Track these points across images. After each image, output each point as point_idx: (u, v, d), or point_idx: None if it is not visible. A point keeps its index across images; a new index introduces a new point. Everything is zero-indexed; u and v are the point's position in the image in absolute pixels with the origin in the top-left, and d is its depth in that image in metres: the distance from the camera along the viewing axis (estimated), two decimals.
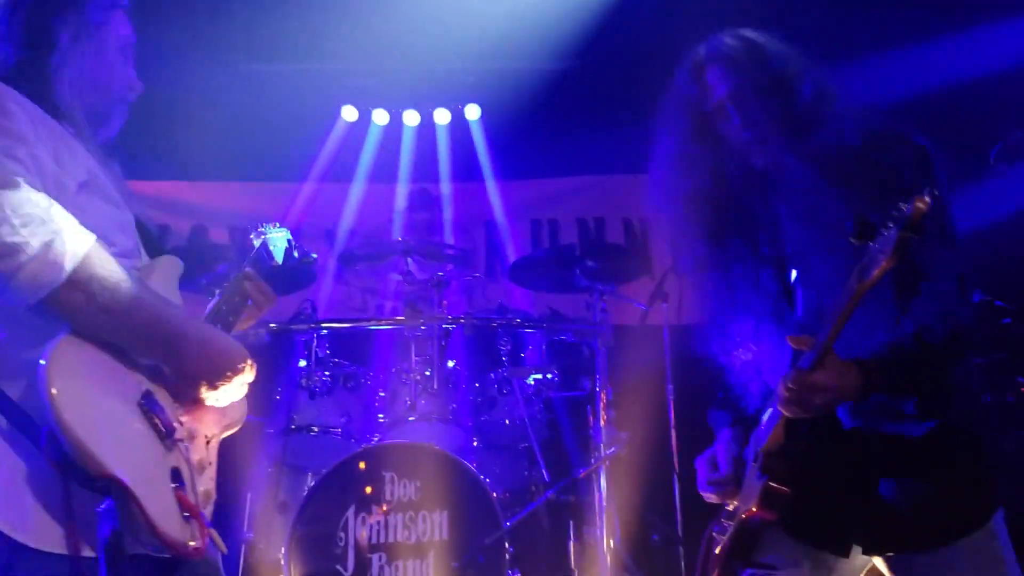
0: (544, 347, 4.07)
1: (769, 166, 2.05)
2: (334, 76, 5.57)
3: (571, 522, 3.77)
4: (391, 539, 3.38)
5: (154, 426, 1.66)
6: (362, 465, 3.50)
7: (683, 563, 4.01)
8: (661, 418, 4.22)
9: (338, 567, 3.34)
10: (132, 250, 1.90)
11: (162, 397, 1.72)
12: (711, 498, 2.12)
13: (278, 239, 2.41)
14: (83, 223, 1.65)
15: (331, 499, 3.43)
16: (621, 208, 5.75)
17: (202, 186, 5.67)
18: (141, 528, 1.55)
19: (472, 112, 5.65)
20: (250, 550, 3.90)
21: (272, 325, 3.79)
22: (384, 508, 3.42)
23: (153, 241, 2.05)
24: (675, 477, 4.15)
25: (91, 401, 1.58)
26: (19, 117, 1.70)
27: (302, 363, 4.00)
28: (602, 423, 3.66)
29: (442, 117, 5.66)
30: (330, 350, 4.12)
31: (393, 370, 4.02)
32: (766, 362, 2.05)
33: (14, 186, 1.57)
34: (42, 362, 1.53)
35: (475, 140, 5.65)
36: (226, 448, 3.65)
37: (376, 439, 3.82)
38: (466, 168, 5.66)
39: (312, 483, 3.54)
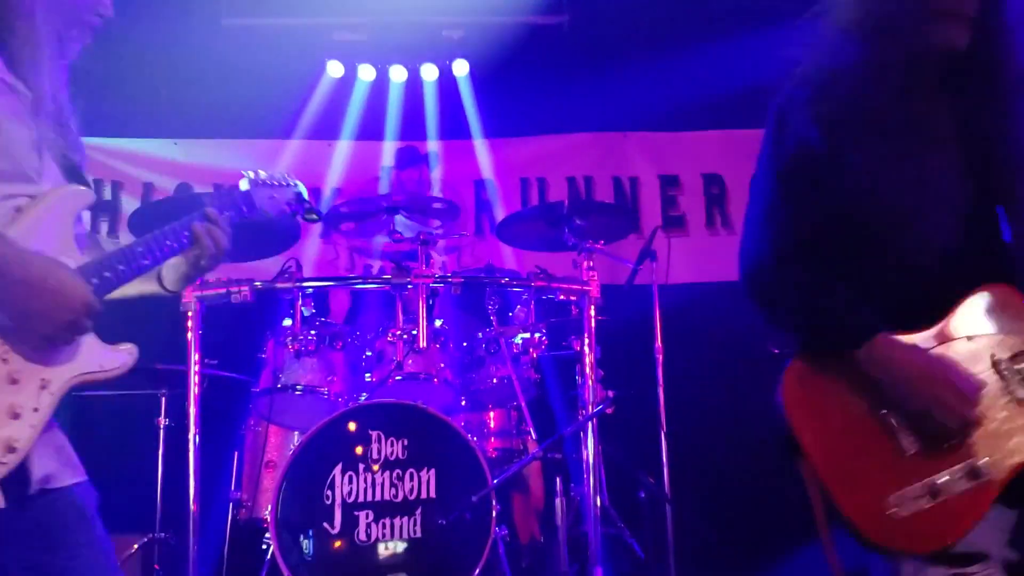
0: (532, 306, 4.05)
1: None
2: (319, 31, 5.47)
3: (558, 479, 3.78)
4: (378, 497, 3.38)
5: None
6: (349, 424, 3.49)
7: (670, 520, 4.03)
8: (649, 377, 4.22)
9: (325, 524, 3.34)
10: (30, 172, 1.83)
11: None
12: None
13: (281, 192, 2.32)
14: None
15: (318, 458, 3.42)
16: (611, 166, 5.71)
17: (186, 144, 5.60)
18: None
19: (460, 68, 5.56)
20: (237, 509, 3.90)
21: (257, 284, 3.75)
22: (371, 467, 3.42)
23: (77, 173, 1.96)
24: (662, 435, 4.15)
25: None
26: None
27: (287, 322, 3.97)
28: (590, 382, 3.64)
29: (430, 73, 5.56)
30: (316, 309, 4.09)
31: (380, 329, 3.99)
32: None
33: None
34: None
35: (463, 97, 5.57)
36: (212, 407, 3.67)
37: (363, 398, 3.81)
38: (454, 125, 5.59)
39: (299, 442, 3.53)
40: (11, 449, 1.70)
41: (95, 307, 1.76)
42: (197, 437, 3.48)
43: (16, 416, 1.72)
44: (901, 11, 1.88)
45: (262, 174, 2.33)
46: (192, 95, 5.43)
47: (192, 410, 3.50)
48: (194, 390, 3.52)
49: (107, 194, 5.49)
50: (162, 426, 4.21)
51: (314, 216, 2.45)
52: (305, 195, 2.39)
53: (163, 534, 4.07)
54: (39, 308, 1.70)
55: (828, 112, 1.90)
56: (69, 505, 1.86)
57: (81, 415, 4.67)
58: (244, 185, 2.28)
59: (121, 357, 1.94)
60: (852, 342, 1.79)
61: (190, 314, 3.55)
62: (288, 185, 2.35)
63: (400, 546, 3.33)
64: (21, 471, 1.76)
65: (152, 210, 4.60)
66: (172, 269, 2.08)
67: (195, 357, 3.53)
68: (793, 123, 1.94)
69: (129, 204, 5.46)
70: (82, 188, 1.93)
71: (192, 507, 3.43)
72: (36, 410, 1.75)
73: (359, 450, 3.43)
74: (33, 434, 1.74)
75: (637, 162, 5.71)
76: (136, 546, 4.06)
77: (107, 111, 5.34)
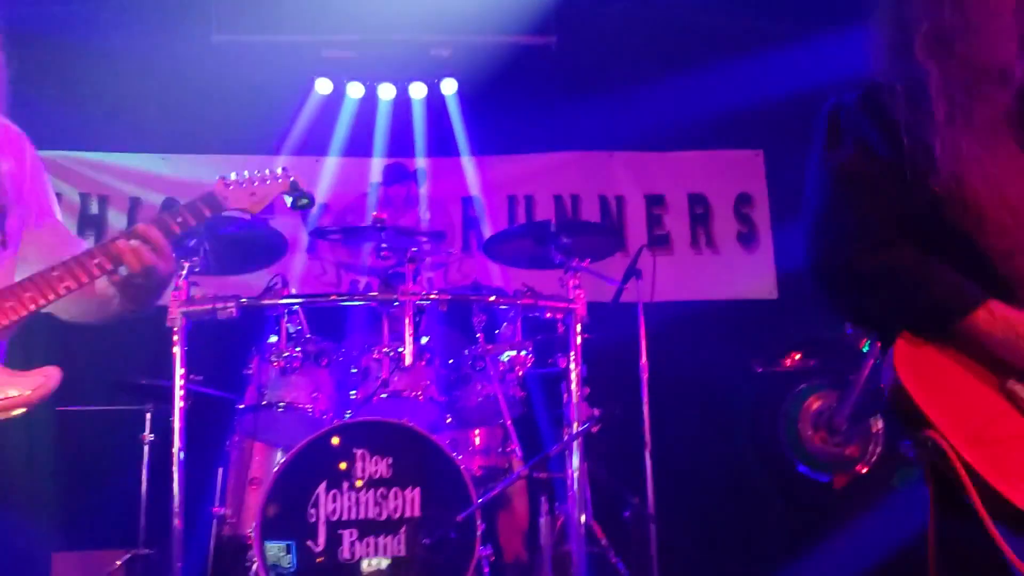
0: (518, 324, 4.06)
1: None
2: (308, 48, 5.49)
3: (543, 498, 3.78)
4: (362, 515, 3.38)
5: None
6: (334, 441, 3.49)
7: (654, 539, 4.04)
8: (634, 395, 4.23)
9: (308, 543, 3.33)
10: None
11: None
12: None
13: (264, 188, 2.36)
14: None
15: (302, 475, 3.42)
16: (597, 185, 5.74)
17: (174, 159, 5.59)
18: None
19: (448, 86, 5.59)
20: (221, 525, 3.88)
21: (243, 300, 3.75)
22: (355, 485, 3.42)
23: None
24: (647, 454, 4.16)
25: None
26: None
27: (273, 339, 3.96)
28: (575, 400, 3.66)
29: (418, 91, 5.60)
30: (301, 326, 4.08)
31: (366, 346, 4.00)
32: None
33: None
34: None
35: (451, 115, 5.60)
36: (197, 423, 3.65)
37: (348, 415, 3.80)
38: (442, 143, 5.61)
39: (283, 459, 3.52)
40: None
41: None
42: (182, 453, 3.47)
43: None
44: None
45: (236, 176, 2.35)
46: (181, 110, 5.44)
47: (177, 425, 3.48)
48: (179, 405, 3.51)
49: (94, 208, 5.48)
50: (146, 441, 4.20)
51: (306, 201, 2.45)
52: (297, 184, 2.40)
53: (147, 550, 4.06)
54: None
55: (894, 116, 1.91)
56: None
57: (65, 430, 4.66)
58: (215, 188, 2.30)
59: (28, 383, 1.97)
60: (969, 307, 1.78)
61: (176, 329, 3.54)
62: (275, 178, 2.38)
63: (384, 564, 3.32)
64: None
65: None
66: (120, 289, 2.09)
67: (180, 372, 3.52)
68: (849, 126, 1.95)
69: (116, 219, 5.46)
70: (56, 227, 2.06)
71: (176, 523, 3.41)
72: None
73: (343, 468, 3.43)
74: None
75: (623, 181, 5.76)
76: (119, 562, 4.04)
77: (95, 125, 5.36)
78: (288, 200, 2.44)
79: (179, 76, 5.33)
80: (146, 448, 4.19)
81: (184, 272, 3.63)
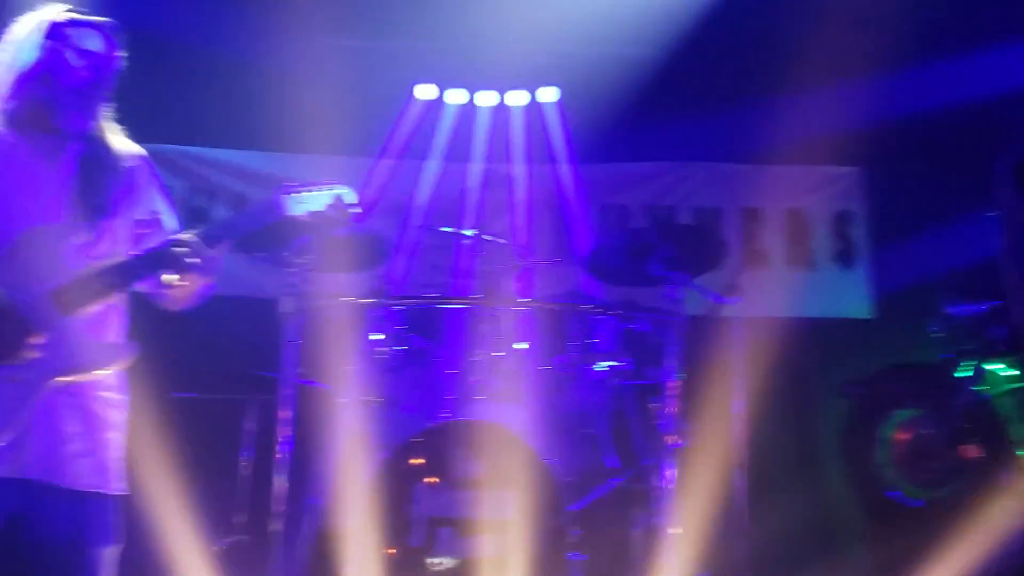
0: (615, 334, 4.07)
1: None
2: (411, 54, 5.61)
3: (635, 510, 3.79)
4: (458, 515, 3.44)
5: None
6: (431, 441, 3.56)
7: (744, 556, 4.01)
8: (728, 411, 4.21)
9: (406, 539, 3.41)
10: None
11: None
12: None
13: (312, 197, 2.45)
14: None
15: (400, 472, 3.50)
16: (692, 197, 5.73)
17: (278, 157, 5.75)
18: None
19: (547, 95, 5.64)
20: (319, 517, 3.98)
21: (346, 298, 3.86)
22: (451, 484, 3.48)
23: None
24: (740, 470, 4.13)
25: None
26: None
27: (375, 337, 4.06)
28: (670, 413, 3.66)
29: (517, 99, 5.66)
30: (402, 326, 4.17)
31: (463, 349, 4.06)
32: None
33: None
34: None
35: (549, 123, 5.65)
36: (298, 415, 3.76)
37: (445, 416, 3.87)
38: (539, 150, 5.66)
39: (382, 455, 3.60)
40: None
41: (27, 329, 2.05)
42: (284, 443, 3.57)
43: None
44: None
45: (295, 184, 2.48)
46: (287, 111, 5.58)
47: (282, 416, 3.58)
48: (285, 396, 3.61)
49: (201, 202, 5.68)
50: (249, 431, 4.33)
51: (350, 215, 2.55)
52: (346, 197, 2.49)
53: (247, 537, 4.17)
54: None
55: None
56: (63, 506, 2.11)
57: (171, 416, 4.83)
58: (274, 196, 2.44)
59: (106, 354, 2.21)
60: None
61: (285, 324, 3.65)
62: (325, 189, 2.48)
63: (479, 565, 3.37)
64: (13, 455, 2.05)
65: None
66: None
67: (288, 365, 3.62)
68: None
69: (220, 213, 5.64)
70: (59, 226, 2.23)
71: (277, 512, 3.51)
72: (13, 399, 2.04)
73: (441, 467, 3.49)
74: (11, 420, 2.03)
75: (718, 193, 5.72)
76: (221, 548, 4.17)
77: (204, 122, 5.56)
78: (335, 211, 2.53)
79: (287, 78, 5.47)
80: (249, 437, 4.32)
81: (294, 269, 3.75)
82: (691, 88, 5.59)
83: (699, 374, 3.92)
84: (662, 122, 5.60)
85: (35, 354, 2.06)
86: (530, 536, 3.39)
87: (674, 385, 3.70)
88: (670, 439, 3.65)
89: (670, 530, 3.57)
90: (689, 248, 4.13)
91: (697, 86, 5.59)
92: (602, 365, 4.03)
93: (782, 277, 5.58)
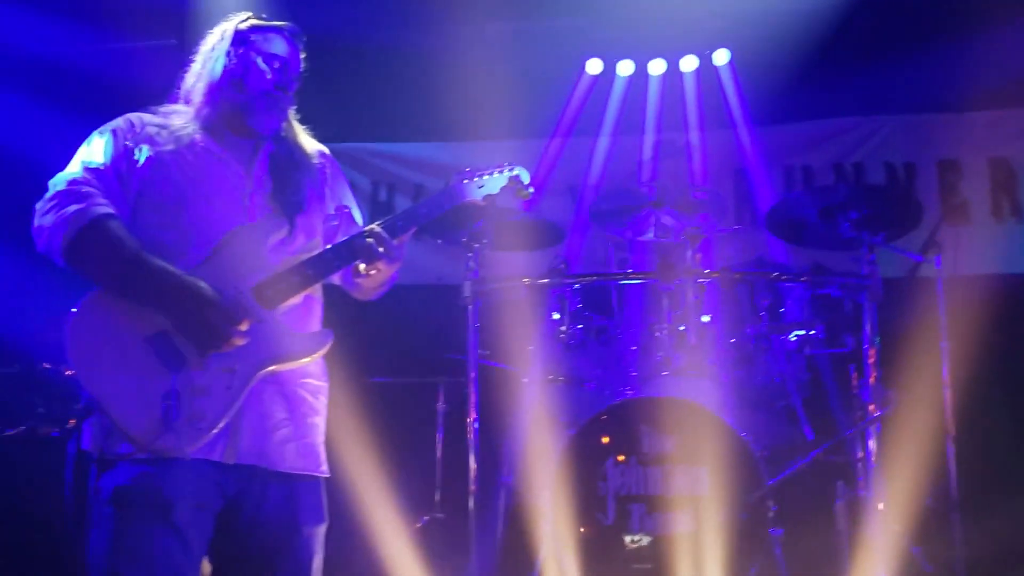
0: (806, 301, 3.91)
1: None
2: (579, 30, 5.56)
3: (838, 483, 3.63)
4: (650, 491, 3.41)
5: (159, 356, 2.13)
6: (618, 418, 3.54)
7: (957, 530, 3.76)
8: (934, 377, 3.94)
9: (598, 515, 3.41)
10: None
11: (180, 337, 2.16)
12: None
13: (489, 180, 2.51)
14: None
15: (589, 449, 3.50)
16: (881, 152, 5.39)
17: (453, 147, 5.87)
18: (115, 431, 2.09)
19: (720, 57, 5.47)
20: (511, 495, 4.06)
21: (525, 280, 3.89)
22: (641, 461, 3.45)
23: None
24: (949, 439, 3.87)
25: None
26: None
27: (556, 316, 4.08)
28: (870, 381, 3.48)
29: (689, 64, 5.52)
30: (582, 304, 4.17)
31: (646, 324, 4.01)
32: None
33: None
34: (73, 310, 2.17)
35: (724, 86, 5.47)
36: (486, 395, 3.83)
37: (630, 392, 3.84)
38: (714, 115, 5.50)
39: (570, 433, 3.62)
40: (202, 418, 2.11)
41: (233, 318, 2.14)
42: (475, 423, 3.64)
43: (205, 393, 2.12)
44: None
45: (471, 169, 2.55)
46: (458, 99, 5.68)
47: (472, 397, 3.66)
48: (472, 377, 3.68)
49: (382, 195, 5.89)
50: (440, 412, 4.46)
51: (526, 194, 2.61)
52: (522, 176, 2.55)
53: (442, 515, 4.31)
54: (188, 322, 2.15)
55: None
56: (273, 489, 2.21)
57: (366, 400, 5.06)
58: (453, 183, 2.52)
59: (309, 343, 2.28)
60: None
61: (468, 307, 3.72)
62: (500, 170, 2.54)
63: (674, 542, 3.33)
64: (228, 441, 2.16)
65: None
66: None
67: (473, 348, 3.69)
68: None
69: (403, 205, 5.83)
70: (262, 223, 2.33)
71: (472, 490, 3.58)
72: (228, 388, 2.14)
73: (629, 445, 3.46)
74: (226, 407, 2.12)
75: (911, 147, 5.36)
76: (418, 525, 4.33)
77: (383, 118, 5.75)
78: (511, 192, 2.58)
79: (456, 67, 5.56)
80: (440, 418, 4.45)
81: (472, 253, 3.82)
82: (872, 35, 5.26)
83: (899, 339, 3.69)
84: (844, 75, 5.31)
85: (242, 341, 2.17)
86: (726, 512, 3.31)
87: (872, 352, 3.50)
88: (871, 408, 3.46)
89: (876, 504, 3.39)
90: (882, 206, 3.90)
91: (878, 33, 5.25)
92: (793, 334, 3.88)
93: (986, 232, 5.16)
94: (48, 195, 2.23)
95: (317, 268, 2.27)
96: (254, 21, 2.41)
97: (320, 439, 2.35)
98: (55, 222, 2.18)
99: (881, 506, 3.42)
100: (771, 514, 3.29)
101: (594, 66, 5.62)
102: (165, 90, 2.45)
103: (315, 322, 2.38)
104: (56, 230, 2.18)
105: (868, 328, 3.50)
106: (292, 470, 2.25)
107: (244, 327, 2.15)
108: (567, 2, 5.39)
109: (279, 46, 2.39)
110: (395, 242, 2.30)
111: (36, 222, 2.22)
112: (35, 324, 4.17)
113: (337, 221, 2.48)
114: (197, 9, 4.98)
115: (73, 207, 2.17)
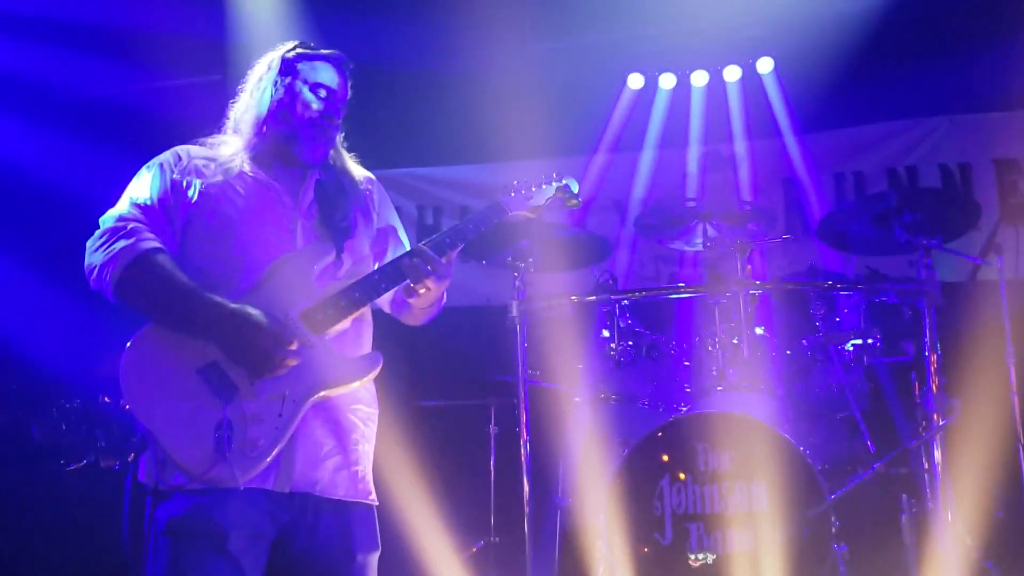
0: (862, 309, 3.80)
1: None
2: (620, 45, 5.54)
3: (903, 495, 3.51)
4: (708, 510, 3.33)
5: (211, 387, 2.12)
6: (673, 435, 3.47)
7: None
8: (1000, 383, 3.81)
9: (656, 535, 3.34)
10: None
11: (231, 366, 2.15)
12: None
13: (536, 192, 2.56)
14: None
15: (644, 468, 3.43)
16: (936, 154, 5.26)
17: (496, 167, 5.86)
18: (169, 463, 2.09)
19: (764, 65, 5.40)
20: (566, 516, 4.00)
21: (573, 297, 3.85)
22: (697, 479, 3.37)
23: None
24: (1020, 447, 3.73)
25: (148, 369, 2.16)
26: None
27: (605, 333, 4.03)
28: (933, 390, 3.36)
29: (732, 74, 5.46)
30: (631, 320, 4.11)
31: (697, 339, 3.94)
32: None
33: None
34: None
35: (769, 94, 5.39)
36: (537, 416, 3.79)
37: (684, 409, 3.77)
38: (759, 125, 5.42)
39: (624, 452, 3.56)
40: (254, 447, 2.10)
41: (282, 340, 2.14)
42: (528, 445, 3.60)
43: (258, 421, 2.12)
44: None
45: (517, 183, 2.59)
46: (501, 120, 5.68)
47: (523, 418, 3.62)
48: (523, 398, 3.64)
49: (429, 219, 5.90)
50: (493, 434, 4.43)
51: (575, 202, 2.68)
52: (571, 186, 2.63)
53: (497, 538, 4.27)
54: (239, 348, 2.15)
55: None
56: (326, 517, 2.21)
57: (417, 424, 5.05)
58: (500, 198, 2.54)
59: (359, 367, 2.27)
60: None
61: (516, 328, 3.69)
62: (548, 182, 2.60)
63: (735, 560, 3.24)
64: (280, 470, 2.15)
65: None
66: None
67: (523, 367, 3.66)
68: None
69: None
70: (311, 250, 2.33)
71: (526, 511, 3.53)
72: (279, 415, 2.13)
73: (686, 462, 3.39)
74: (278, 435, 2.12)
75: (966, 147, 5.22)
76: (473, 550, 4.29)
77: (426, 142, 5.77)
78: (560, 203, 2.65)
79: (497, 88, 5.57)
80: (492, 441, 4.42)
81: (519, 273, 3.79)
82: (919, 36, 5.15)
83: (962, 345, 3.57)
84: (891, 78, 5.20)
85: (294, 362, 2.16)
86: (788, 528, 3.22)
87: (934, 359, 3.39)
88: (935, 418, 3.35)
89: (944, 517, 3.27)
90: (937, 209, 3.79)
91: (925, 33, 5.13)
92: (850, 344, 3.77)
93: None
94: (98, 233, 2.26)
95: (365, 291, 2.26)
96: (301, 50, 2.41)
97: (369, 467, 2.34)
98: (104, 259, 2.21)
99: (950, 518, 3.30)
100: (834, 530, 3.19)
101: (635, 81, 5.59)
102: (212, 125, 2.47)
103: (365, 346, 2.37)
104: (105, 267, 2.20)
105: (928, 334, 3.38)
106: (345, 497, 2.24)
107: (294, 347, 2.15)
108: (606, 19, 5.37)
109: (326, 75, 2.39)
110: (443, 260, 2.28)
111: (87, 260, 2.25)
112: (95, 359, 4.25)
113: (386, 245, 2.47)
114: (240, 43, 5.08)
115: (120, 243, 2.20)
